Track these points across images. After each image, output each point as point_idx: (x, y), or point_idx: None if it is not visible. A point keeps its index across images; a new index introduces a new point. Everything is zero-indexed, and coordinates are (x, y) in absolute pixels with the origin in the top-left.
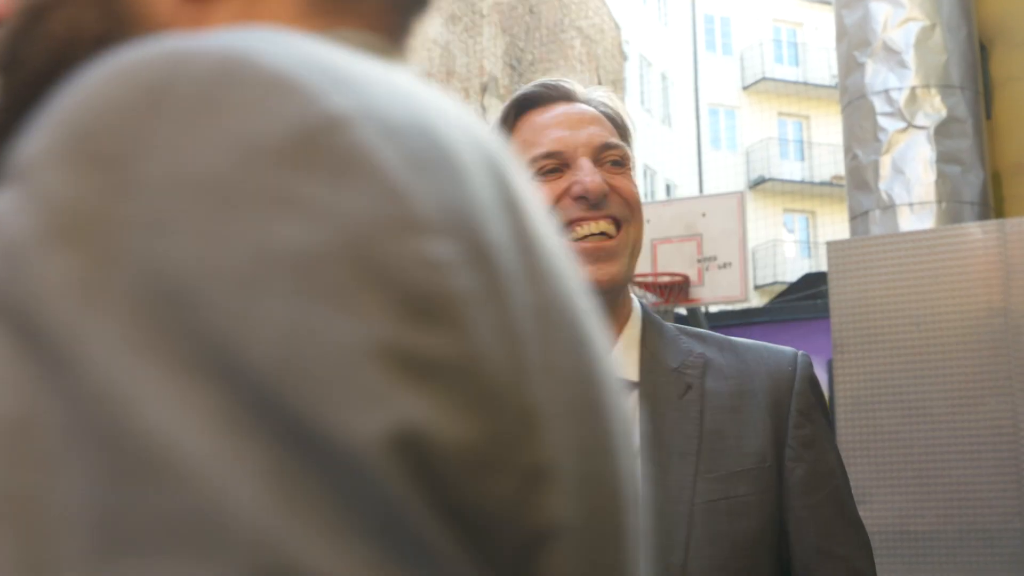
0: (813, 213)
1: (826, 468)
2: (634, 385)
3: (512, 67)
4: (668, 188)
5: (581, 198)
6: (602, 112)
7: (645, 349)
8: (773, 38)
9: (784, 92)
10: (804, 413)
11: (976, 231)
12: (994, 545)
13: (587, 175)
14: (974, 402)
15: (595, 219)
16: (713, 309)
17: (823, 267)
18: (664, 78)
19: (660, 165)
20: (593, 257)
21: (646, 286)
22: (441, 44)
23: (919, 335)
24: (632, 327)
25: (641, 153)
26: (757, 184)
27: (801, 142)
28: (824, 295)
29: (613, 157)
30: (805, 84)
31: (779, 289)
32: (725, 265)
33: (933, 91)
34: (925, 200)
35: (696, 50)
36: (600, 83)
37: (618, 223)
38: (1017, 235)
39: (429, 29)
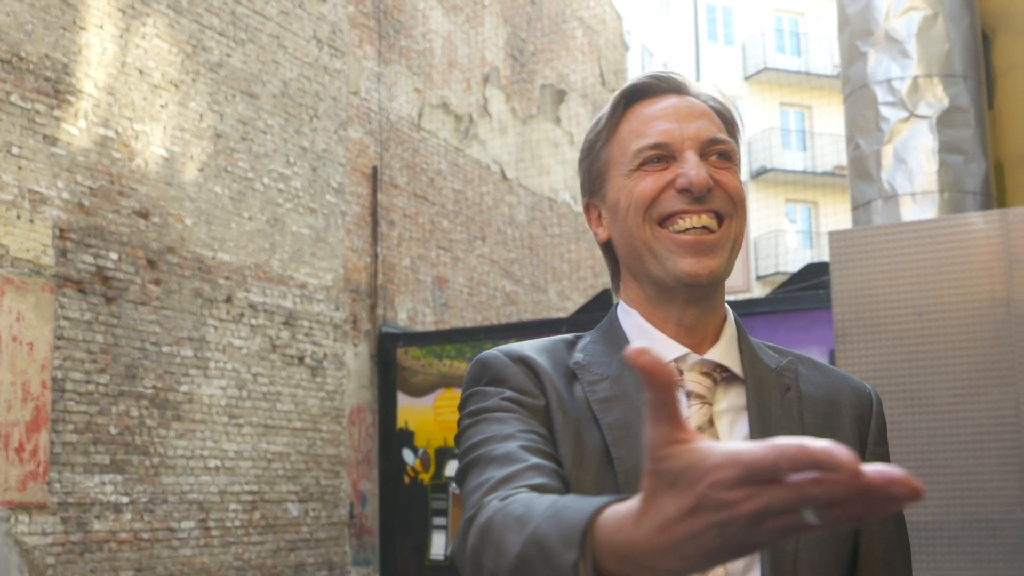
0: (815, 203)
1: None
2: (740, 379)
3: (514, 57)
4: None
5: (685, 191)
6: (711, 107)
7: (745, 345)
8: (775, 28)
9: (786, 82)
10: (881, 432)
11: (978, 221)
12: (996, 535)
13: (692, 168)
14: (976, 392)
15: (697, 213)
16: None
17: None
18: (666, 68)
19: None
20: (694, 250)
21: None
22: (443, 35)
23: (921, 325)
24: (730, 324)
25: None
26: (759, 174)
27: (803, 132)
28: (826, 285)
29: (719, 151)
30: (807, 74)
31: (781, 279)
32: None
33: (935, 80)
34: (927, 190)
35: (698, 40)
36: (601, 74)
37: (720, 218)
38: (1019, 225)
39: (431, 19)
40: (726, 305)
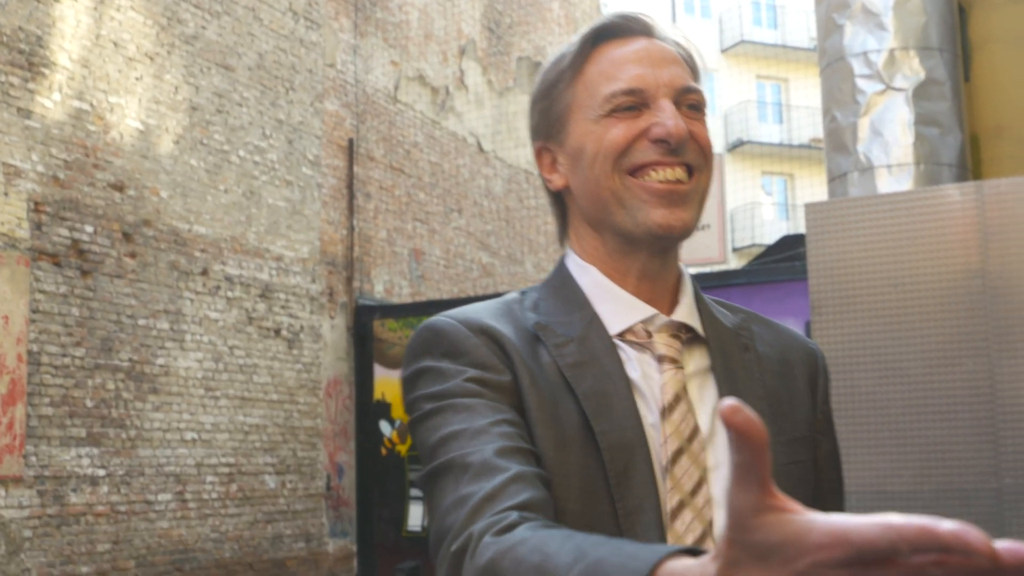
0: (791, 176)
1: (839, 450)
2: (702, 340)
3: (490, 30)
4: None
5: (661, 141)
6: (678, 53)
7: (702, 304)
8: (751, 0)
9: (763, 55)
10: (828, 391)
11: (954, 193)
12: (970, 504)
13: (670, 118)
14: (951, 363)
15: (672, 165)
16: (691, 271)
17: (801, 229)
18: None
19: None
20: (667, 200)
21: None
22: (419, 7)
23: (896, 296)
24: (687, 282)
25: None
26: (735, 147)
27: (779, 105)
28: (802, 257)
29: (691, 101)
30: (784, 47)
31: (757, 251)
32: (704, 227)
33: (912, 53)
34: (903, 162)
35: (675, 12)
36: None
37: (691, 171)
38: (995, 197)
39: None
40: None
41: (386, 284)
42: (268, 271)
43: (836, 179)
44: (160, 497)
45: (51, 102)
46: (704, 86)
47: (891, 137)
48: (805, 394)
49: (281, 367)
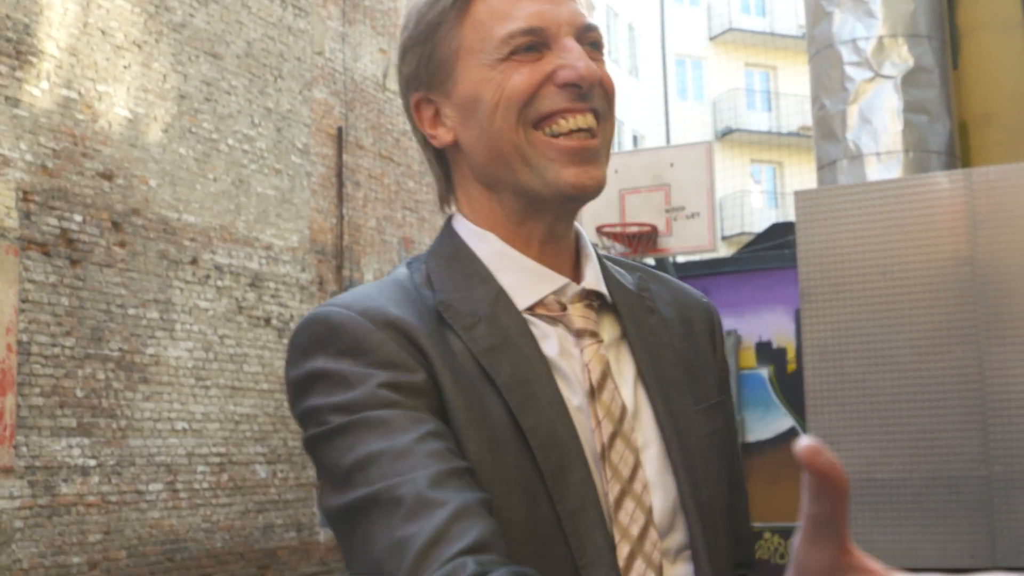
0: (780, 164)
1: (733, 405)
2: (609, 305)
3: None
4: (635, 139)
5: (571, 86)
6: None
7: (604, 268)
8: None
9: (751, 42)
10: (724, 348)
11: (943, 180)
12: (959, 492)
13: (579, 59)
14: (940, 350)
15: (582, 112)
16: (680, 259)
17: (790, 218)
18: (631, 29)
19: (627, 116)
20: (579, 158)
21: (614, 236)
22: None
23: (886, 284)
24: (586, 243)
25: None
26: (724, 135)
27: (768, 92)
28: (791, 245)
29: (592, 39)
30: (772, 35)
31: (746, 239)
32: (693, 215)
33: (900, 40)
34: (892, 149)
35: (663, 1)
36: None
37: (598, 118)
38: (983, 184)
39: None
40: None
41: (376, 273)
42: (258, 260)
43: (825, 167)
44: (151, 487)
45: (39, 90)
46: (691, 73)
47: (880, 125)
48: (709, 354)
49: (271, 356)
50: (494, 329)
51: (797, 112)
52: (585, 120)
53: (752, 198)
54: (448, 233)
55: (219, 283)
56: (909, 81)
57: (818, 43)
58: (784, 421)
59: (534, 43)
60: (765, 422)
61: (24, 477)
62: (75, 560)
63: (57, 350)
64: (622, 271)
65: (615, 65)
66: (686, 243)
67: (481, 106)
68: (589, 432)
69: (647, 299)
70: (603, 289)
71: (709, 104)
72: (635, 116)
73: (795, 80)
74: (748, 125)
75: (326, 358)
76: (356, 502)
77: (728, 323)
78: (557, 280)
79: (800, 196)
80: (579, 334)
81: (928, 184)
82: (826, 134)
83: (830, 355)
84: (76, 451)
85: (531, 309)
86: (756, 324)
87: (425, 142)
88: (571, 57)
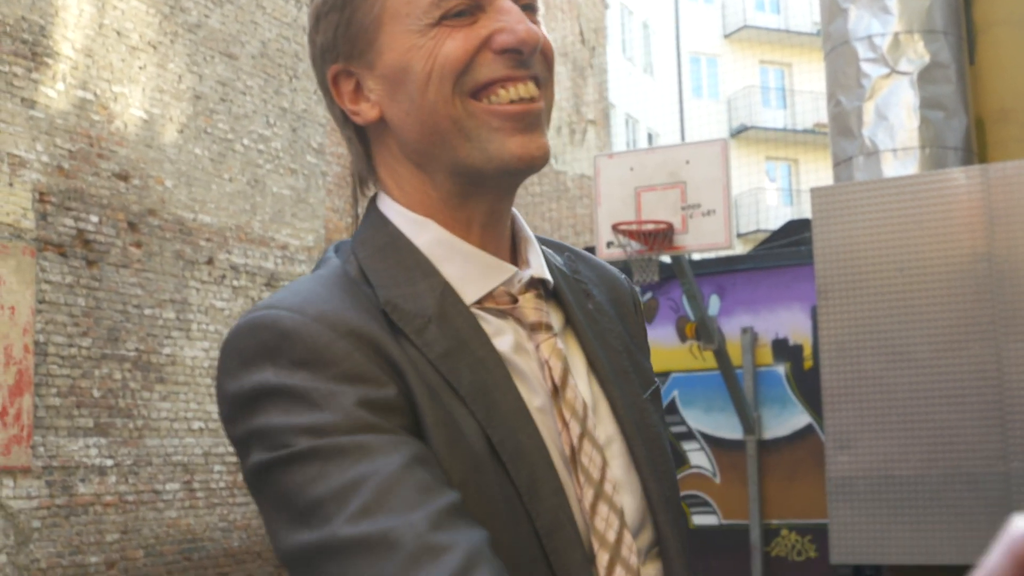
0: (795, 161)
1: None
2: (553, 293)
3: None
4: (650, 137)
5: (511, 51)
6: None
7: (543, 252)
8: None
9: (766, 40)
10: (644, 323)
11: (959, 176)
12: (978, 488)
13: (517, 22)
14: (958, 347)
15: (524, 80)
16: (696, 256)
17: (805, 215)
18: (645, 27)
19: (642, 114)
20: (524, 125)
21: (630, 234)
22: None
23: (903, 280)
24: (522, 225)
25: (623, 102)
26: (739, 132)
27: (783, 90)
28: (807, 242)
29: (527, 2)
30: (787, 31)
31: (762, 237)
32: (709, 212)
33: (916, 36)
34: (908, 146)
35: None
36: (581, 31)
37: (539, 85)
38: (1000, 180)
39: None
40: None
41: None
42: (273, 260)
43: (841, 163)
44: (168, 487)
45: (55, 92)
46: (706, 71)
47: (896, 121)
48: (641, 337)
49: None
50: (446, 330)
51: (812, 109)
52: (527, 89)
53: (767, 195)
54: (377, 219)
55: (235, 283)
56: (925, 77)
57: (834, 40)
58: (801, 418)
59: (467, 6)
60: (782, 419)
61: (42, 477)
62: (93, 560)
63: (74, 350)
64: (552, 252)
65: (629, 63)
66: (702, 240)
67: (411, 77)
68: (556, 435)
69: (582, 283)
70: (548, 276)
71: (724, 102)
72: (650, 114)
73: (810, 77)
74: (763, 122)
75: (276, 370)
76: (334, 542)
77: (744, 320)
78: (505, 270)
79: (816, 193)
80: (533, 328)
81: (945, 180)
82: (842, 131)
83: (847, 352)
84: (93, 451)
85: (479, 303)
86: (772, 321)
87: (344, 119)
88: (509, 20)
